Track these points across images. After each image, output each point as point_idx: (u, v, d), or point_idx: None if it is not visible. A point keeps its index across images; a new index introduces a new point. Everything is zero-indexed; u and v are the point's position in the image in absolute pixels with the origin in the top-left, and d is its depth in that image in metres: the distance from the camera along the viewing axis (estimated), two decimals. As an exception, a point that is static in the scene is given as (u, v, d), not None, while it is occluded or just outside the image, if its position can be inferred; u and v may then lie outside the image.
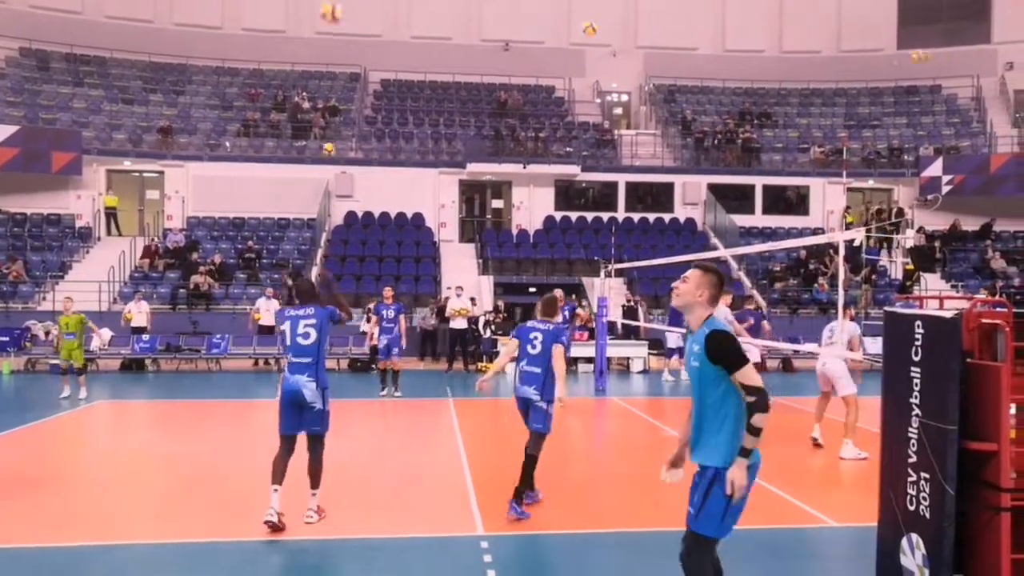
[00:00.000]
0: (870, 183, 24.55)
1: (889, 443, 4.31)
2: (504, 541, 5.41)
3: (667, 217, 23.52)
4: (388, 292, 12.55)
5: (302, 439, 5.70)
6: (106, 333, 16.43)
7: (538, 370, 5.98)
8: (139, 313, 16.54)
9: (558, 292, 6.69)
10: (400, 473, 7.42)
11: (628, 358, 16.86)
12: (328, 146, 17.24)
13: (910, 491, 4.09)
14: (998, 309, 4.10)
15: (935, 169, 23.65)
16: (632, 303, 18.21)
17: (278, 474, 5.51)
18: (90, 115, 23.37)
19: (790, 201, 24.44)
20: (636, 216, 23.53)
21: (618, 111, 29.32)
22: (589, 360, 15.22)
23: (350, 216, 22.54)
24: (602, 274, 14.69)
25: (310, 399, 5.57)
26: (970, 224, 23.59)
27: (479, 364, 16.96)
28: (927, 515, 3.97)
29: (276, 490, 5.45)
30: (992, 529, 3.84)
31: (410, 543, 5.39)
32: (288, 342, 5.69)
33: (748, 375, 3.26)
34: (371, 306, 16.96)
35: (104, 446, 9.17)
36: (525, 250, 21.90)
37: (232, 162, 22.47)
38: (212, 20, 26.75)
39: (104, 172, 22.22)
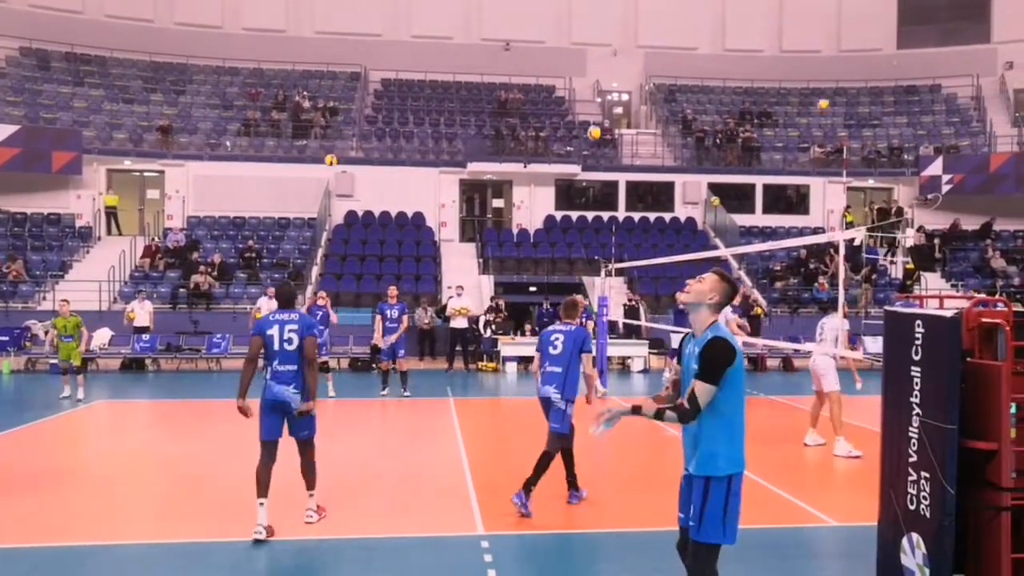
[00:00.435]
0: (870, 182, 24.55)
1: (890, 442, 4.32)
2: (504, 540, 5.41)
3: (667, 216, 23.53)
4: (392, 291, 12.42)
5: (284, 446, 5.53)
6: (105, 333, 16.44)
7: (559, 370, 6.15)
8: (142, 313, 16.54)
9: (578, 296, 6.87)
10: (400, 472, 7.43)
11: (628, 357, 16.88)
12: (330, 158, 17.18)
13: (911, 490, 4.09)
14: (998, 308, 4.10)
15: (935, 168, 23.65)
16: (634, 303, 18.22)
17: (263, 485, 5.35)
18: (90, 114, 23.37)
19: (790, 200, 24.44)
20: (636, 215, 23.53)
21: (618, 110, 29.32)
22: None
23: (350, 215, 22.54)
24: (602, 273, 14.70)
25: (295, 406, 5.48)
26: (970, 223, 23.59)
27: (479, 364, 16.97)
28: (928, 514, 3.98)
29: (262, 503, 5.31)
30: (993, 528, 3.85)
31: (410, 542, 5.40)
32: (275, 347, 5.49)
33: (704, 393, 3.29)
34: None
35: (104, 446, 9.17)
36: (526, 249, 21.90)
37: (232, 161, 22.47)
38: (213, 20, 26.74)
39: (104, 172, 22.21)
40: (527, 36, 27.65)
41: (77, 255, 20.47)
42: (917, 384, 4.08)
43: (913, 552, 4.06)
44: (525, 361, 16.91)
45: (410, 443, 9.10)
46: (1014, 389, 3.84)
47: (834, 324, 8.64)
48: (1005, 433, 3.82)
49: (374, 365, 16.57)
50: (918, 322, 4.11)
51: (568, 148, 24.13)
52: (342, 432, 9.70)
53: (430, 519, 5.95)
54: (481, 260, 21.27)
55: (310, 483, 5.68)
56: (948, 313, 4.00)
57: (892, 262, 22.03)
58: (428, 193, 22.75)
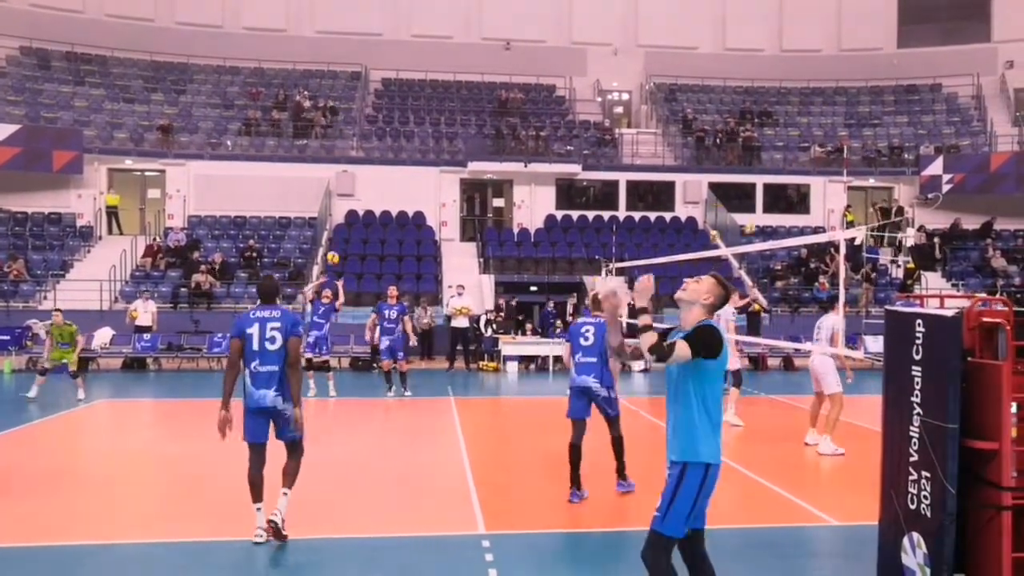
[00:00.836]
0: (871, 182, 24.54)
1: (890, 442, 4.32)
2: (505, 540, 5.41)
3: (668, 216, 23.53)
4: (392, 291, 12.30)
5: (272, 450, 5.32)
6: (107, 332, 16.45)
7: (594, 359, 6.44)
8: (145, 312, 16.56)
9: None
10: (401, 472, 7.43)
11: (629, 357, 16.87)
12: (332, 256, 16.80)
13: (911, 490, 4.09)
14: (998, 308, 4.10)
15: (935, 168, 23.64)
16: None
17: (257, 491, 5.21)
18: (91, 114, 23.37)
19: (791, 200, 24.44)
20: (637, 215, 23.53)
21: (619, 110, 29.31)
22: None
23: (351, 215, 22.55)
24: (603, 273, 14.71)
25: (279, 408, 5.18)
26: (971, 223, 23.58)
27: (480, 363, 16.98)
28: (928, 514, 3.98)
29: (259, 508, 5.22)
30: (993, 528, 3.85)
31: (411, 542, 5.40)
32: (255, 347, 5.13)
33: (682, 351, 3.35)
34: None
35: (105, 445, 9.18)
36: (526, 249, 21.90)
37: (233, 161, 22.48)
38: (213, 19, 26.74)
39: (105, 171, 22.22)
40: (527, 36, 27.65)
41: (78, 254, 20.48)
42: (918, 383, 4.08)
43: (914, 551, 4.07)
44: (526, 360, 16.93)
45: (411, 442, 9.10)
46: (1015, 388, 3.84)
47: (830, 324, 8.64)
48: (1006, 432, 3.82)
49: (375, 365, 16.59)
50: (919, 321, 4.11)
51: (568, 147, 24.13)
52: (343, 431, 9.70)
53: (431, 518, 5.96)
54: (482, 260, 21.28)
55: (288, 480, 5.27)
56: (949, 312, 4.01)
57: (895, 262, 22.03)
58: (429, 192, 22.75)
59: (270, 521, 5.14)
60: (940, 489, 3.90)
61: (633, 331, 3.66)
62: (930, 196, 22.74)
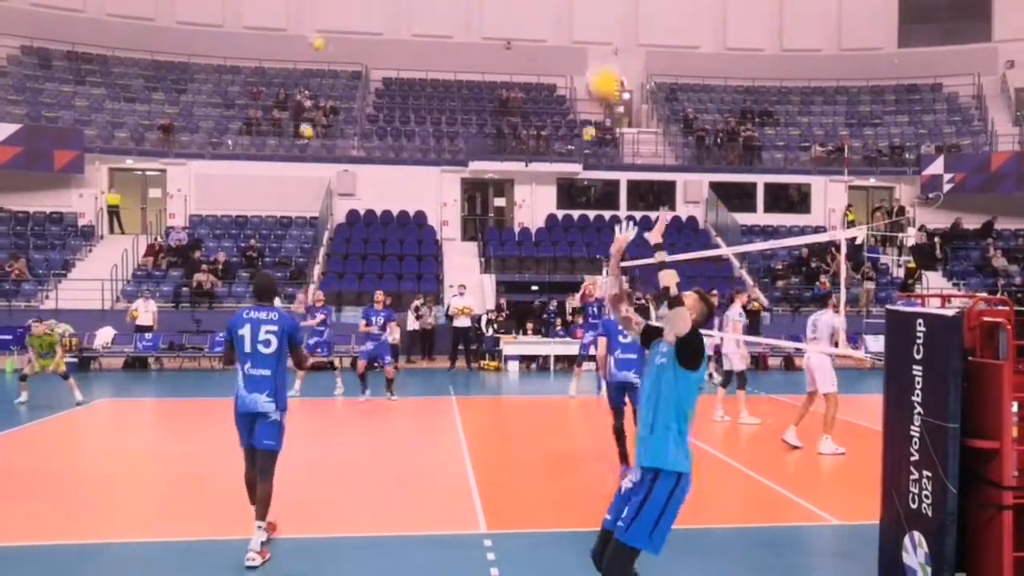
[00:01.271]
0: (871, 181, 24.54)
1: (891, 441, 4.33)
2: (507, 539, 5.43)
3: (669, 216, 23.52)
4: (379, 296, 11.85)
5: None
6: (108, 332, 16.47)
7: (634, 355, 6.74)
8: (146, 312, 16.58)
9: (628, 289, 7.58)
10: (403, 471, 7.44)
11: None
12: (307, 131, 16.76)
13: (912, 489, 4.10)
14: (999, 307, 4.11)
15: (936, 167, 23.64)
16: (643, 301, 18.24)
17: (254, 492, 5.07)
18: (92, 113, 23.39)
19: (792, 199, 24.44)
20: (638, 214, 23.48)
21: (620, 109, 29.30)
22: (592, 358, 15.22)
23: (352, 214, 22.56)
24: (604, 272, 14.69)
25: (269, 414, 4.95)
26: (971, 222, 23.58)
27: (481, 363, 16.99)
28: (929, 513, 3.99)
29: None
30: (994, 527, 3.86)
31: (413, 541, 5.41)
32: (247, 349, 4.90)
33: (682, 317, 3.44)
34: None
35: (107, 444, 9.20)
36: (527, 248, 21.91)
37: (234, 160, 22.48)
38: (214, 18, 26.74)
39: (106, 170, 22.24)
40: (528, 35, 27.65)
41: (79, 254, 20.50)
42: (919, 383, 4.09)
43: (915, 551, 4.08)
44: (527, 360, 16.94)
45: (413, 442, 9.12)
46: (1015, 388, 3.85)
47: (827, 321, 8.63)
48: (1007, 432, 3.83)
49: (376, 364, 16.59)
50: (920, 321, 4.12)
51: (569, 147, 24.13)
52: (345, 431, 9.72)
53: (433, 518, 5.97)
54: (483, 259, 21.28)
55: (261, 510, 4.90)
56: (950, 312, 4.02)
57: (896, 261, 22.03)
58: (430, 192, 22.76)
59: (247, 567, 4.78)
60: (941, 488, 3.91)
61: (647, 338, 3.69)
62: (931, 196, 22.73)
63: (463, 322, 16.94)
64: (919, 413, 4.08)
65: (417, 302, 17.88)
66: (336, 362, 13.59)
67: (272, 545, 5.22)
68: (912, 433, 4.12)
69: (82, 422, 10.31)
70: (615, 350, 6.86)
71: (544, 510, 6.18)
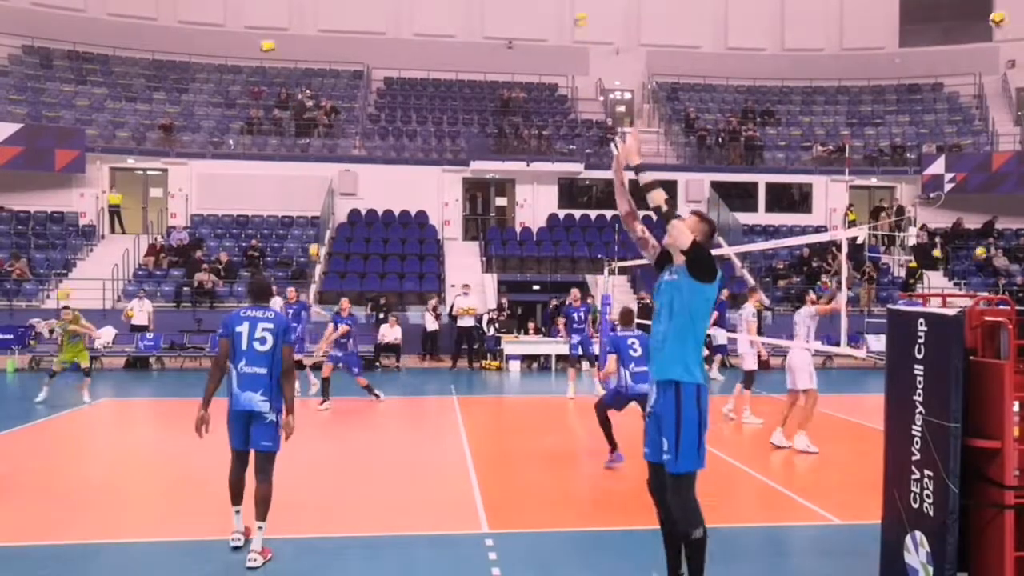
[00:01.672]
0: (873, 181, 24.53)
1: (893, 441, 4.34)
2: (509, 539, 5.43)
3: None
4: (344, 304, 11.48)
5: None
6: (110, 331, 16.48)
7: (646, 368, 7.24)
8: (141, 312, 16.59)
9: (628, 307, 8.34)
10: (405, 471, 7.46)
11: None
12: (266, 44, 16.13)
13: (914, 489, 4.11)
14: (1001, 307, 4.12)
15: (937, 167, 23.63)
16: (648, 302, 18.26)
17: (237, 494, 5.13)
18: (93, 113, 23.41)
19: (793, 199, 24.43)
20: (639, 214, 23.49)
21: (621, 109, 29.31)
22: (595, 358, 15.24)
23: (354, 214, 22.57)
24: (605, 272, 14.72)
25: (264, 413, 4.96)
26: (972, 222, 23.57)
27: (483, 362, 17.01)
28: (931, 512, 4.00)
29: (238, 511, 5.16)
30: (996, 526, 3.87)
31: (414, 540, 5.42)
32: (243, 347, 4.94)
33: (681, 230, 3.63)
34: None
35: (109, 444, 9.21)
36: (529, 248, 21.91)
37: (235, 160, 22.50)
38: (215, 18, 26.76)
39: (107, 170, 22.26)
40: (530, 34, 27.66)
41: (81, 253, 20.52)
42: (920, 382, 4.10)
43: (917, 550, 4.08)
44: (528, 359, 16.95)
45: (414, 441, 9.13)
46: (1017, 387, 3.86)
47: (804, 315, 8.67)
48: (1008, 431, 3.84)
49: (377, 363, 16.63)
50: (921, 320, 4.13)
51: (571, 146, 24.13)
52: (346, 430, 9.73)
53: (434, 517, 5.97)
54: (484, 259, 21.30)
55: (262, 511, 4.90)
56: (951, 311, 4.02)
57: (897, 260, 22.03)
58: (431, 191, 22.77)
59: (248, 568, 4.80)
60: (943, 488, 3.92)
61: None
62: (932, 195, 22.72)
63: (467, 322, 16.97)
64: (920, 413, 4.09)
65: (433, 302, 17.91)
66: (305, 360, 13.40)
67: (273, 545, 5.23)
68: (913, 433, 4.12)
69: (84, 422, 10.32)
70: (628, 363, 7.18)
71: (546, 510, 6.19)
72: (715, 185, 23.47)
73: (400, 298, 19.80)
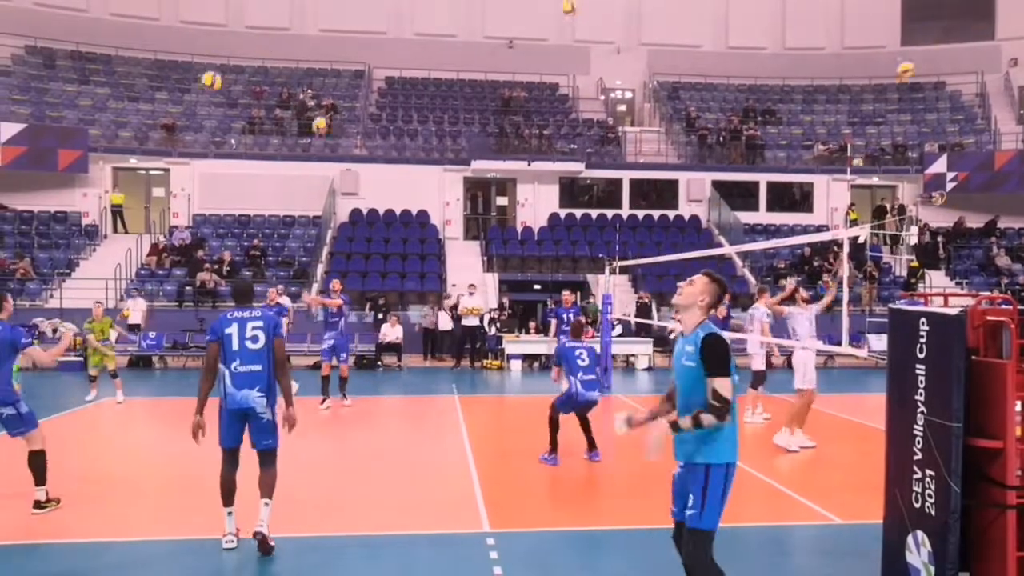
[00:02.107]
0: (874, 180, 24.51)
1: (894, 440, 4.34)
2: (510, 538, 5.44)
3: (671, 214, 23.53)
4: (336, 285, 11.15)
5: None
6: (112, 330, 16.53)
7: (594, 376, 7.71)
8: (135, 311, 16.65)
9: (581, 319, 8.89)
10: (406, 470, 7.46)
11: (633, 355, 16.90)
12: (208, 76, 15.97)
13: (916, 488, 4.11)
14: (1003, 306, 4.12)
15: (939, 166, 23.60)
16: (646, 300, 18.28)
17: (229, 495, 5.13)
18: (96, 113, 23.44)
19: (794, 198, 24.42)
20: (640, 213, 23.54)
21: (622, 108, 29.30)
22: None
23: (355, 213, 22.59)
24: (606, 271, 14.72)
25: (260, 411, 5.03)
26: (975, 221, 23.54)
27: (484, 361, 17.02)
28: (933, 512, 4.00)
29: (230, 512, 5.15)
30: (998, 526, 3.87)
31: (416, 539, 5.43)
32: (234, 347, 5.01)
33: (724, 386, 3.41)
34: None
35: (111, 443, 9.23)
36: (530, 247, 21.91)
37: (237, 160, 22.53)
38: (217, 18, 26.78)
39: (110, 170, 22.29)
40: (530, 34, 27.66)
41: (83, 253, 20.56)
42: (922, 382, 4.10)
43: (918, 550, 4.09)
44: (529, 359, 16.96)
45: (415, 441, 9.14)
46: (1019, 387, 3.86)
47: (795, 314, 8.70)
48: (1010, 431, 3.84)
49: (379, 363, 16.64)
50: (923, 320, 4.13)
51: (572, 146, 24.13)
52: (347, 429, 9.74)
53: (436, 516, 5.98)
54: (485, 258, 21.31)
55: (267, 492, 5.06)
56: (953, 311, 4.02)
57: (897, 257, 22.01)
58: (432, 191, 22.78)
59: (256, 533, 4.99)
60: (944, 488, 3.92)
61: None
62: (934, 194, 22.69)
63: (471, 321, 17.00)
64: (922, 412, 4.09)
65: (449, 301, 17.91)
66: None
67: (277, 543, 5.24)
68: (915, 432, 4.12)
69: (85, 421, 10.34)
70: (577, 372, 7.56)
71: (547, 509, 6.20)
72: (716, 184, 23.46)
73: (401, 298, 19.82)
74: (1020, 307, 4.03)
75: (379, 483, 6.95)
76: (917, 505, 4.10)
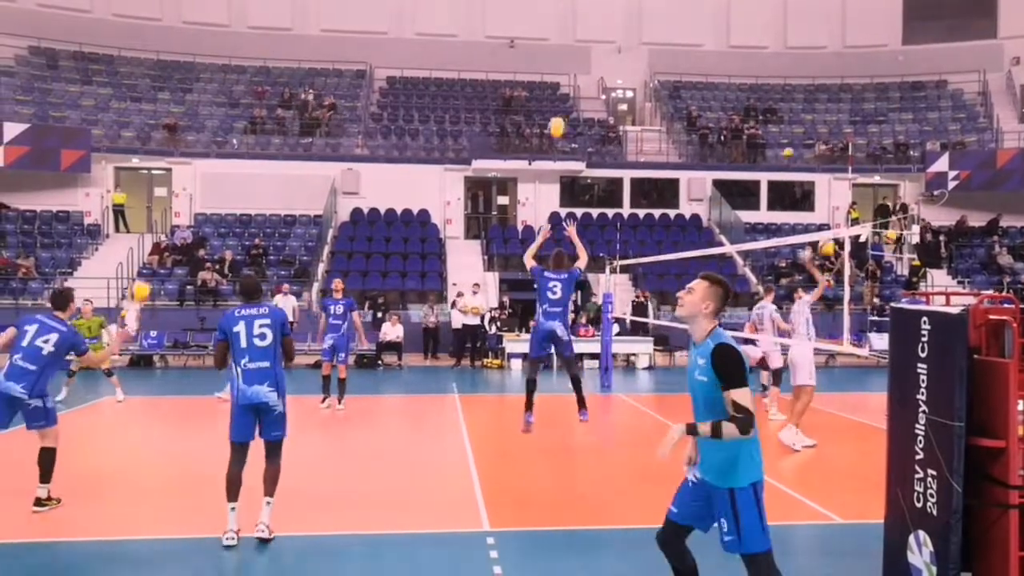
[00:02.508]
0: (876, 179, 24.48)
1: (896, 440, 4.33)
2: (510, 537, 5.44)
3: (672, 213, 23.51)
4: (338, 284, 11.05)
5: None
6: (114, 329, 16.52)
7: (559, 309, 7.68)
8: (130, 311, 16.68)
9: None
10: (406, 469, 7.46)
11: (634, 354, 16.89)
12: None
13: (917, 488, 4.10)
14: (1005, 305, 4.10)
15: (941, 165, 23.56)
16: (642, 299, 18.26)
17: (234, 490, 5.15)
18: (99, 113, 23.47)
19: (795, 197, 24.39)
20: (641, 212, 23.53)
21: (623, 107, 29.28)
22: (594, 356, 15.24)
23: (356, 213, 22.60)
24: (607, 270, 14.71)
25: (272, 404, 5.17)
26: (977, 220, 23.50)
27: (484, 360, 17.02)
28: (934, 512, 3.98)
29: (234, 508, 5.14)
30: (1000, 526, 3.85)
31: (416, 539, 5.43)
32: (243, 344, 5.15)
33: (744, 397, 3.24)
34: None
35: (112, 442, 9.23)
36: (530, 246, 21.91)
37: (239, 159, 22.55)
38: (219, 18, 26.80)
39: (112, 169, 22.32)
40: (531, 33, 27.65)
41: (86, 252, 20.60)
42: (923, 381, 4.08)
43: (920, 550, 4.07)
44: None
45: (415, 439, 9.14)
46: (1021, 386, 3.84)
47: (796, 311, 8.68)
48: (1013, 431, 3.83)
49: (379, 362, 16.64)
50: (924, 319, 4.11)
51: (573, 145, 24.12)
52: (347, 428, 9.74)
53: (436, 515, 5.98)
54: (486, 257, 21.31)
55: (271, 488, 5.20)
56: (955, 310, 4.01)
57: (899, 256, 21.97)
58: (433, 190, 22.79)
59: (258, 538, 5.09)
60: (946, 487, 3.90)
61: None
62: (936, 193, 22.65)
63: (473, 320, 17.00)
64: (924, 412, 4.07)
65: (462, 300, 17.89)
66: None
67: (274, 543, 5.25)
68: (917, 432, 4.11)
69: (87, 420, 10.35)
70: (544, 303, 7.67)
71: (547, 509, 6.19)
72: (717, 183, 23.44)
73: (402, 297, 19.82)
74: (1022, 306, 4.01)
75: (379, 482, 6.95)
76: (919, 505, 4.08)
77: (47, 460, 6.03)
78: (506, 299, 18.64)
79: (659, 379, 14.91)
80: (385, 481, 6.99)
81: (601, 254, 19.16)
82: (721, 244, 20.96)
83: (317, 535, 5.50)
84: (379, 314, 17.82)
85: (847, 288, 7.18)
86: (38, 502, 5.95)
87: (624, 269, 17.78)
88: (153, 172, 23.04)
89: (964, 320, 3.93)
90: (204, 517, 5.86)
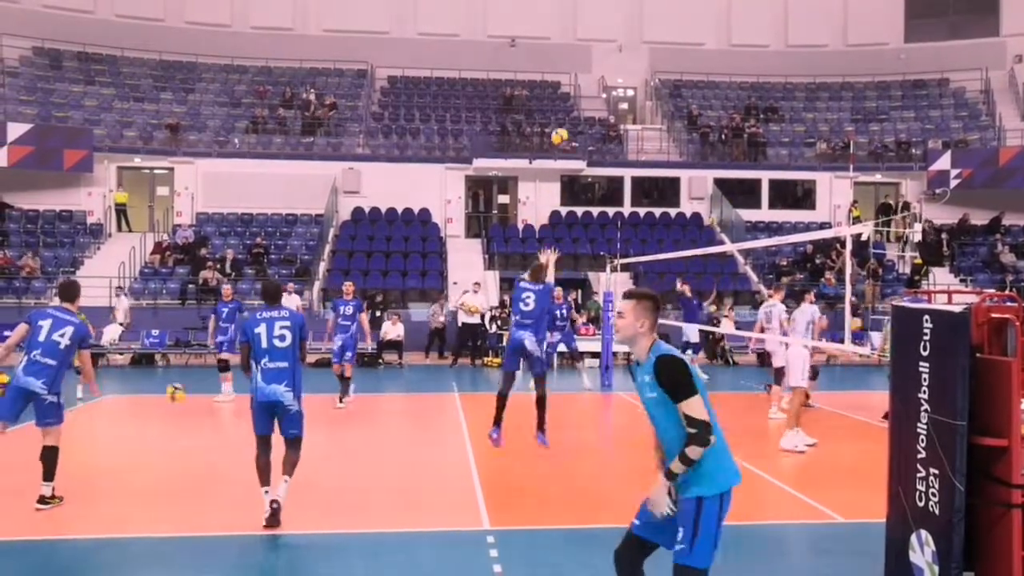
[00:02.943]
0: (877, 177, 24.44)
1: (898, 439, 4.32)
2: (510, 536, 5.44)
3: (673, 212, 23.49)
4: (348, 287, 11.23)
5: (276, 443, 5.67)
6: (115, 328, 16.55)
7: (530, 321, 7.51)
8: (120, 310, 16.73)
9: (543, 259, 8.19)
10: (407, 468, 7.46)
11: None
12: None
13: (919, 487, 4.09)
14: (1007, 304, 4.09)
15: (943, 163, 23.52)
16: None
17: (265, 475, 5.52)
18: (101, 113, 23.50)
19: (796, 195, 24.36)
20: (642, 211, 23.51)
21: (624, 106, 29.25)
22: (595, 355, 15.24)
23: (357, 212, 22.61)
24: (608, 269, 14.70)
25: (287, 403, 5.47)
26: (979, 218, 23.46)
27: (484, 359, 17.02)
28: (936, 511, 3.98)
29: (267, 491, 5.49)
30: (1002, 526, 3.85)
31: (416, 537, 5.43)
32: (264, 345, 5.44)
33: (694, 407, 3.14)
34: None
35: (114, 440, 9.24)
36: (531, 245, 21.86)
37: (241, 159, 22.56)
38: (222, 18, 26.81)
39: (115, 169, 22.34)
40: (532, 32, 27.62)
41: (88, 251, 20.63)
42: (925, 380, 4.07)
43: (922, 549, 4.07)
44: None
45: (416, 438, 9.14)
46: None
47: (807, 313, 8.66)
48: (1015, 429, 3.82)
49: (380, 361, 16.64)
50: (926, 317, 4.10)
51: (573, 144, 24.10)
52: (348, 427, 9.75)
53: (436, 514, 5.98)
54: (487, 256, 21.31)
55: (288, 470, 5.57)
56: (957, 308, 4.00)
57: (901, 255, 21.95)
58: (434, 189, 22.78)
59: (273, 502, 5.44)
60: (948, 487, 3.90)
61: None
62: (938, 191, 22.61)
63: (475, 319, 17.00)
64: (926, 411, 4.06)
65: (467, 298, 17.87)
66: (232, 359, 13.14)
67: (275, 541, 5.25)
68: (919, 431, 4.10)
69: (89, 418, 10.36)
70: (515, 314, 7.55)
71: (547, 508, 6.19)
72: (718, 182, 23.42)
73: (403, 296, 19.83)
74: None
75: (379, 481, 6.95)
76: (921, 504, 4.08)
77: (50, 458, 6.06)
78: (507, 298, 18.63)
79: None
80: (385, 480, 7.00)
81: (602, 253, 19.15)
82: (722, 242, 20.93)
83: (318, 533, 5.51)
84: (377, 312, 17.81)
85: (848, 287, 7.18)
86: (42, 500, 5.97)
87: (625, 268, 17.76)
88: (155, 172, 23.06)
89: (966, 319, 3.92)
90: (205, 515, 5.87)
